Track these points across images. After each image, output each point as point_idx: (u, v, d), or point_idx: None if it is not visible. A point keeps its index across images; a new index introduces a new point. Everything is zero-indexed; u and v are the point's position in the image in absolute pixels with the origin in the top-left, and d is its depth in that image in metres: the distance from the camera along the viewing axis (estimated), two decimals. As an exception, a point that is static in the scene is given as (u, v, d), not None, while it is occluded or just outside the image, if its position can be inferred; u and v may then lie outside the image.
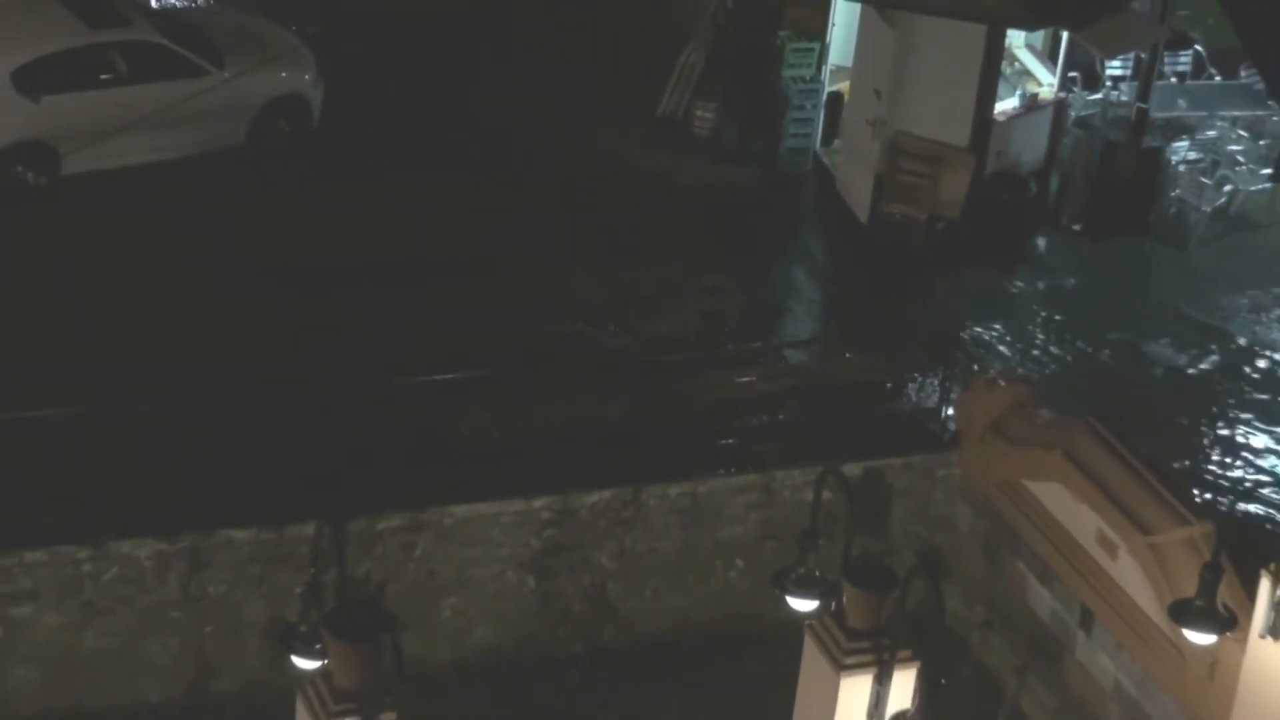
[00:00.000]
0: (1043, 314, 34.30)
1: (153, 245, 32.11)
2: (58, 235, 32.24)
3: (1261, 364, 33.91)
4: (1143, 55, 36.59)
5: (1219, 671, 25.14)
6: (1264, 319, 35.04)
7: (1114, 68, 38.15)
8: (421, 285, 31.95)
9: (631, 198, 35.00)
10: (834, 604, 22.55)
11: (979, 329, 33.55)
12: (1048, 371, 32.80)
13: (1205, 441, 31.96)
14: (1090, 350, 33.65)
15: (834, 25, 36.94)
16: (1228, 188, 36.62)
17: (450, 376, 29.62)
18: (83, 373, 28.74)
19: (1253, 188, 36.84)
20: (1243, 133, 37.92)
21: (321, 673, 21.07)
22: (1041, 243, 35.94)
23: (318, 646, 21.17)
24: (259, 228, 32.90)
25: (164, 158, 34.48)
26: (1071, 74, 36.94)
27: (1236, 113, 38.50)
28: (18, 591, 26.87)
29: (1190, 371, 33.63)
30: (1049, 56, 36.91)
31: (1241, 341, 34.35)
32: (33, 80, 33.56)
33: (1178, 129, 37.99)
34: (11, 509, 26.62)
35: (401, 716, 20.56)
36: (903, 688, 22.08)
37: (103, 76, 34.12)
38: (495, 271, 32.55)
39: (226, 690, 27.88)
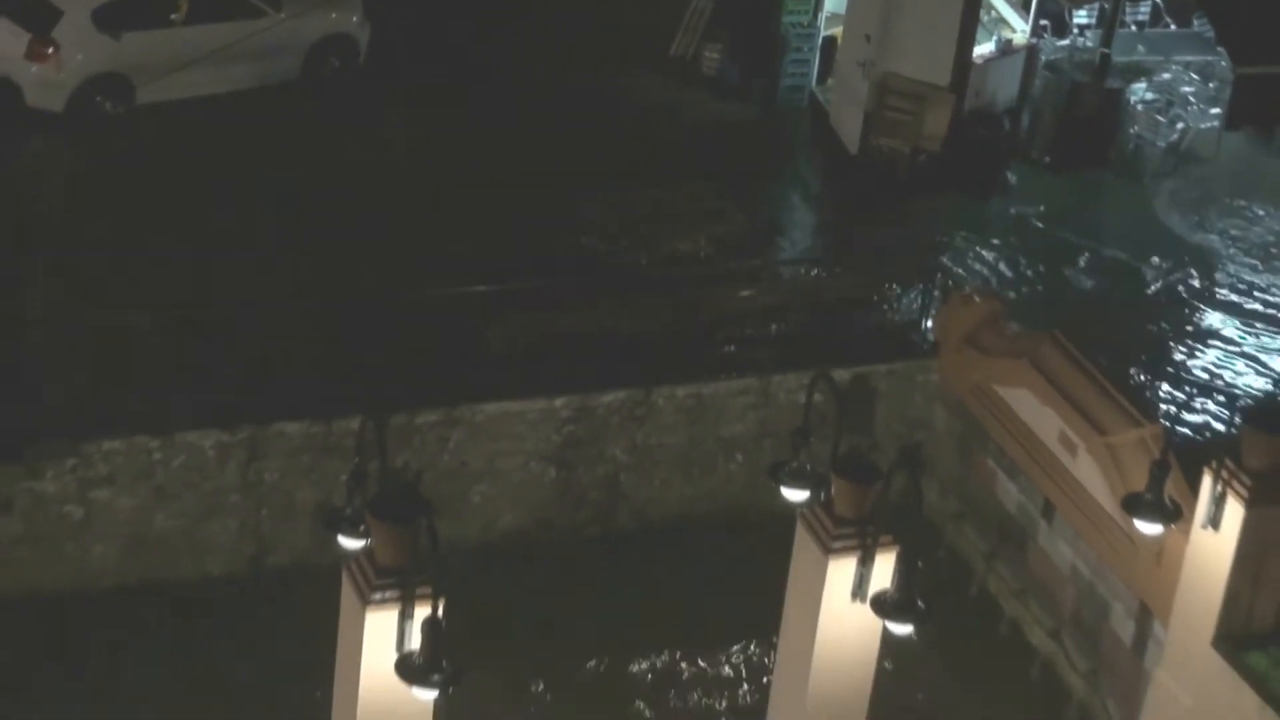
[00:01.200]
0: (1013, 238, 34.31)
1: (215, 165, 32.16)
2: (132, 157, 32.28)
3: (1208, 284, 33.91)
4: (1106, 5, 36.59)
5: (1165, 558, 25.20)
6: (1210, 243, 35.05)
7: (1080, 17, 38.33)
8: (454, 204, 31.97)
9: (644, 130, 34.97)
10: (823, 494, 22.57)
11: (956, 251, 33.55)
12: (1017, 289, 32.81)
13: (1157, 353, 31.98)
14: (1055, 270, 33.67)
15: (829, -24, 37.11)
16: (1180, 125, 36.68)
17: (481, 288, 29.62)
18: (156, 280, 28.77)
19: (1202, 126, 36.94)
20: (1194, 76, 38.06)
21: (365, 551, 21.11)
22: (1013, 174, 35.92)
23: (361, 528, 21.17)
24: (311, 152, 32.92)
25: (227, 89, 34.55)
26: (1042, 22, 37.03)
27: (1189, 58, 38.66)
28: (97, 477, 26.94)
29: (1145, 290, 33.65)
30: (1022, 6, 36.91)
31: (1189, 263, 34.35)
32: (111, 19, 33.64)
33: (1137, 72, 38.12)
34: (90, 403, 26.68)
35: (436, 591, 20.61)
36: (884, 570, 22.11)
37: (172, 16, 34.17)
38: (521, 193, 32.54)
39: (280, 566, 27.98)
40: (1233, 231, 35.54)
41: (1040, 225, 34.88)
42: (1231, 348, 32.38)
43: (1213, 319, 33.01)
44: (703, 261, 31.81)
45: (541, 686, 26.59)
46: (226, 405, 27.46)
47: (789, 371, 29.17)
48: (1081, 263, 33.90)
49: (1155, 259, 34.26)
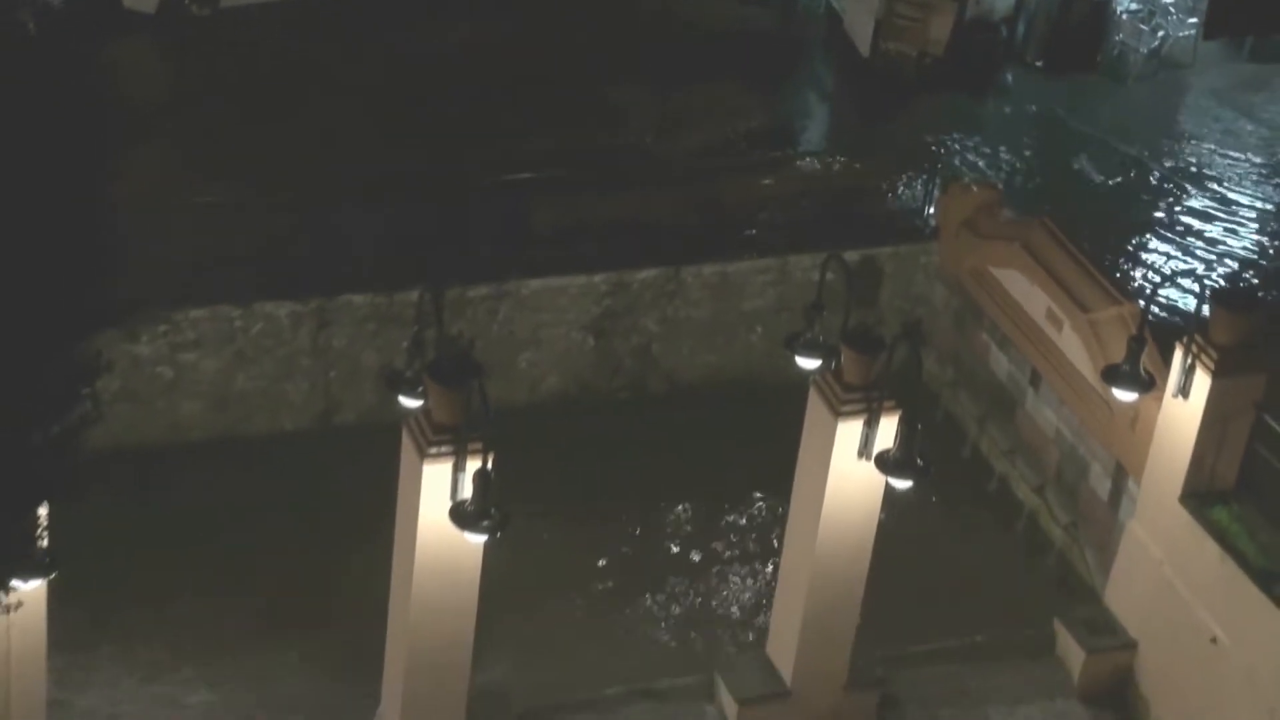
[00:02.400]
0: (1008, 133, 34.15)
1: (290, 63, 31.98)
2: (216, 55, 32.12)
3: (1184, 178, 33.77)
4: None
5: (1139, 423, 25.19)
6: (1185, 141, 34.89)
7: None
8: (502, 103, 31.78)
9: (673, 33, 34.71)
10: (833, 363, 22.60)
11: (956, 145, 33.40)
12: (1011, 180, 32.67)
13: (1137, 238, 31.89)
14: (1046, 163, 33.54)
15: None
16: (1161, 33, 36.32)
17: (526, 176, 29.59)
18: (237, 166, 28.71)
19: (1181, 34, 36.56)
20: (1175, -12, 37.68)
21: (423, 410, 21.19)
22: (1009, 76, 35.72)
23: (420, 389, 21.23)
24: (373, 57, 32.68)
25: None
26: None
27: (1171, -29, 38.20)
28: (185, 342, 27.05)
29: (1127, 182, 33.51)
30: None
31: (1167, 159, 34.22)
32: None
33: (1122, -17, 37.75)
34: (181, 276, 26.72)
35: (486, 446, 20.69)
36: (887, 431, 22.17)
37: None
38: (559, 92, 32.34)
39: (346, 422, 28.08)
40: (1206, 130, 35.38)
41: (1033, 122, 34.73)
42: (1203, 235, 32.28)
43: (1187, 208, 32.88)
44: (726, 153, 31.70)
45: (580, 532, 26.71)
46: (300, 278, 27.51)
47: (804, 253, 29.12)
48: (1070, 156, 33.76)
49: (1137, 153, 34.12)
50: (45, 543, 19.06)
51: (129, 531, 24.84)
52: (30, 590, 19.58)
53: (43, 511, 18.87)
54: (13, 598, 18.79)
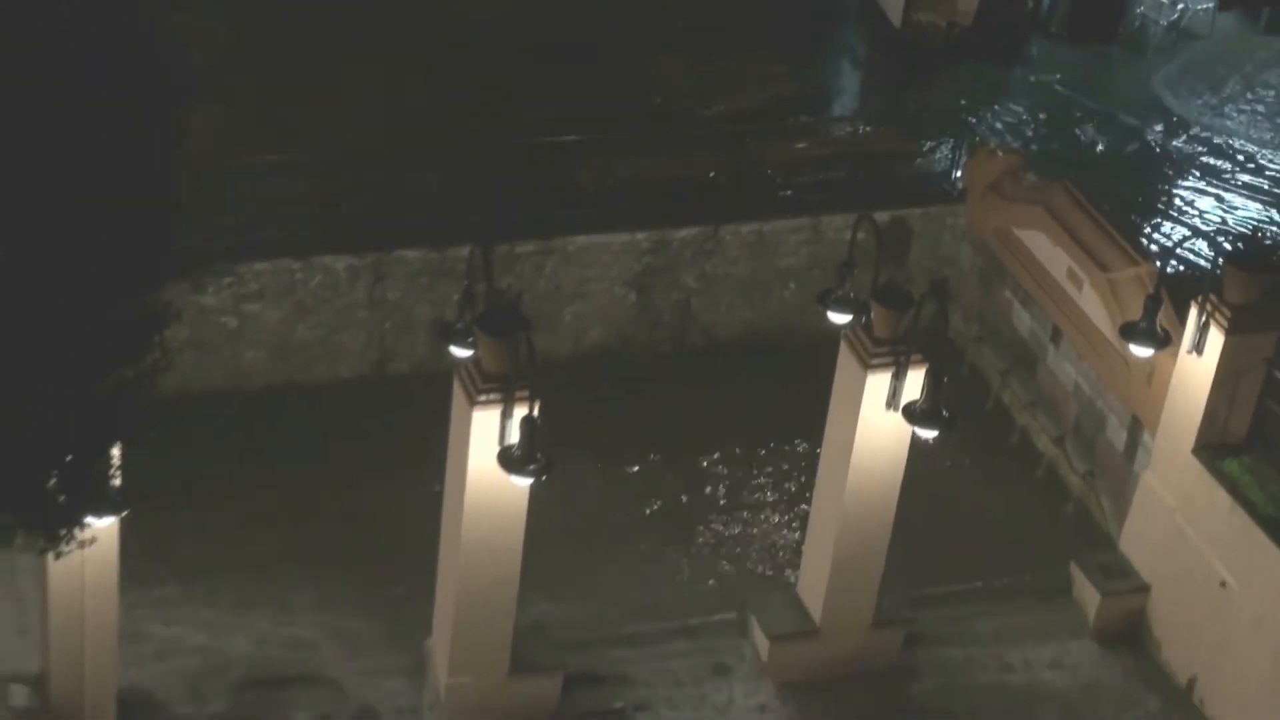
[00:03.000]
0: (1033, 101, 34.05)
1: (350, 27, 31.76)
2: (276, 19, 31.98)
3: (1201, 144, 33.66)
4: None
5: (1155, 377, 25.18)
6: (1203, 109, 34.74)
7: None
8: (551, 69, 31.77)
9: (710, 5, 34.56)
10: (864, 318, 22.64)
11: (983, 111, 33.34)
12: (1035, 145, 32.61)
13: (1155, 202, 31.84)
14: (1068, 129, 33.45)
15: None
16: (1180, 5, 36.17)
17: (574, 138, 29.59)
18: (298, 127, 28.71)
19: (1198, 7, 36.41)
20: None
21: (473, 360, 21.27)
22: (1034, 47, 35.60)
23: (470, 340, 21.32)
24: (430, 22, 32.54)
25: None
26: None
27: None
28: (249, 293, 27.15)
29: (1145, 149, 33.41)
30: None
31: (1188, 126, 34.11)
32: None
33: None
34: (245, 232, 26.81)
35: (532, 394, 20.78)
36: (914, 383, 22.21)
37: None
38: (602, 55, 32.28)
39: (400, 371, 28.17)
40: (1223, 98, 35.23)
41: (1057, 90, 34.61)
42: (1219, 199, 32.19)
43: (1203, 175, 32.79)
44: (763, 118, 31.65)
45: (620, 476, 26.79)
46: (357, 234, 27.57)
47: (836, 213, 29.11)
48: (1091, 123, 33.67)
49: (1156, 121, 34.02)
50: (117, 482, 19.20)
51: (194, 472, 24.95)
52: (103, 527, 19.73)
53: (115, 452, 19.00)
54: (87, 534, 18.89)
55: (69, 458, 18.00)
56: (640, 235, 28.71)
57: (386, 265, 27.61)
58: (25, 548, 18.83)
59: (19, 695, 21.55)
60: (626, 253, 28.71)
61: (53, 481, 18.04)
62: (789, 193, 29.94)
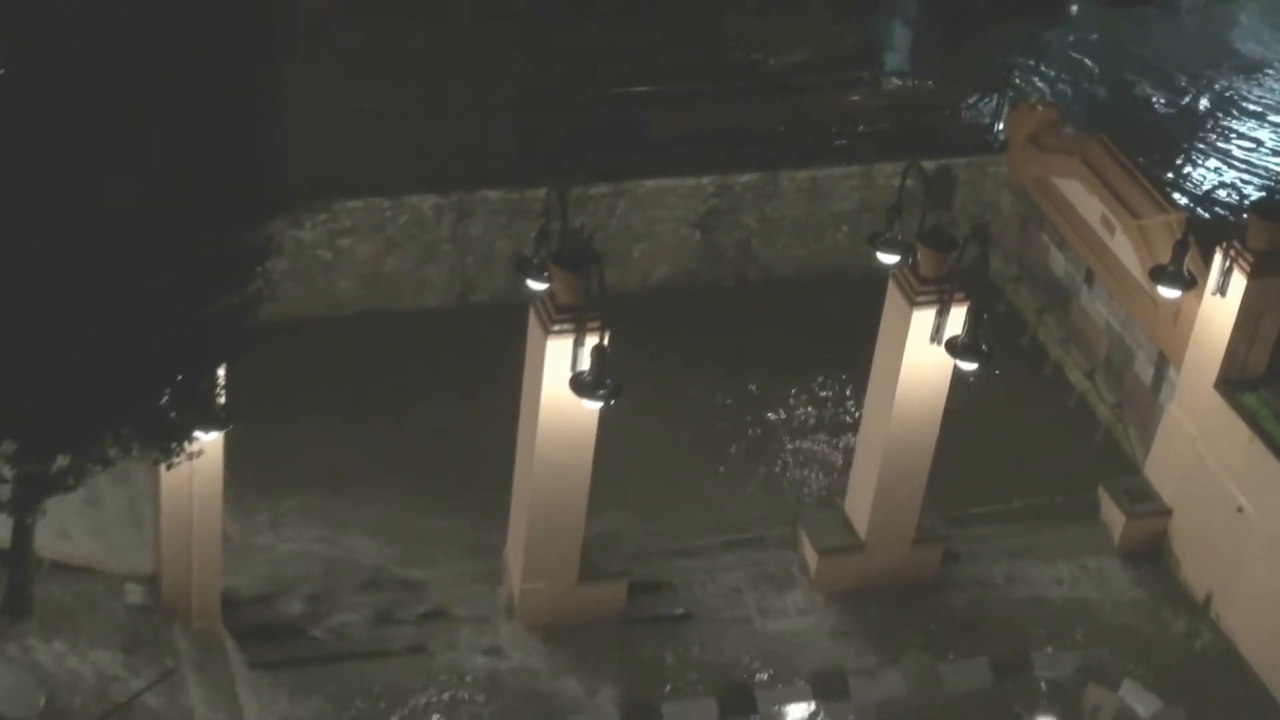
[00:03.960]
0: (1072, 59, 33.89)
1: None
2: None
3: (1228, 100, 33.45)
4: None
5: (1181, 317, 25.12)
6: (1236, 69, 34.50)
7: None
8: (627, 23, 31.59)
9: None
10: (910, 259, 22.66)
11: (1025, 68, 33.19)
12: (1073, 100, 32.46)
13: (1184, 155, 31.70)
14: (1105, 85, 33.27)
15: None
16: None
17: (645, 89, 29.59)
18: (390, 73, 28.68)
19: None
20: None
21: (548, 292, 21.38)
22: (1074, 6, 35.36)
23: (546, 273, 21.42)
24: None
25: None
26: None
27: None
28: (342, 229, 27.27)
29: (1179, 105, 33.22)
30: None
31: (1218, 85, 33.88)
32: None
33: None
34: (340, 172, 26.90)
35: (603, 324, 20.88)
36: (956, 320, 22.24)
37: None
38: (675, 17, 32.09)
39: (481, 302, 28.25)
40: (1253, 58, 34.95)
41: (1094, 48, 34.42)
42: (1246, 152, 32.02)
43: (1232, 129, 32.61)
44: (820, 72, 31.55)
45: (684, 402, 26.88)
46: (443, 175, 27.66)
47: (886, 161, 29.01)
48: (1127, 79, 33.49)
49: (1188, 78, 33.79)
50: (223, 399, 19.45)
51: (291, 392, 25.11)
52: (209, 440, 19.98)
53: (221, 372, 19.23)
54: (195, 447, 19.16)
55: (180, 378, 18.25)
56: (705, 180, 28.70)
57: (470, 204, 27.70)
58: (141, 458, 19.13)
59: (134, 593, 21.85)
60: (692, 195, 28.73)
61: (165, 399, 18.30)
62: (843, 142, 29.88)
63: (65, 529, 21.64)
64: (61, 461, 18.61)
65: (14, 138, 16.48)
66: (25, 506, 19.28)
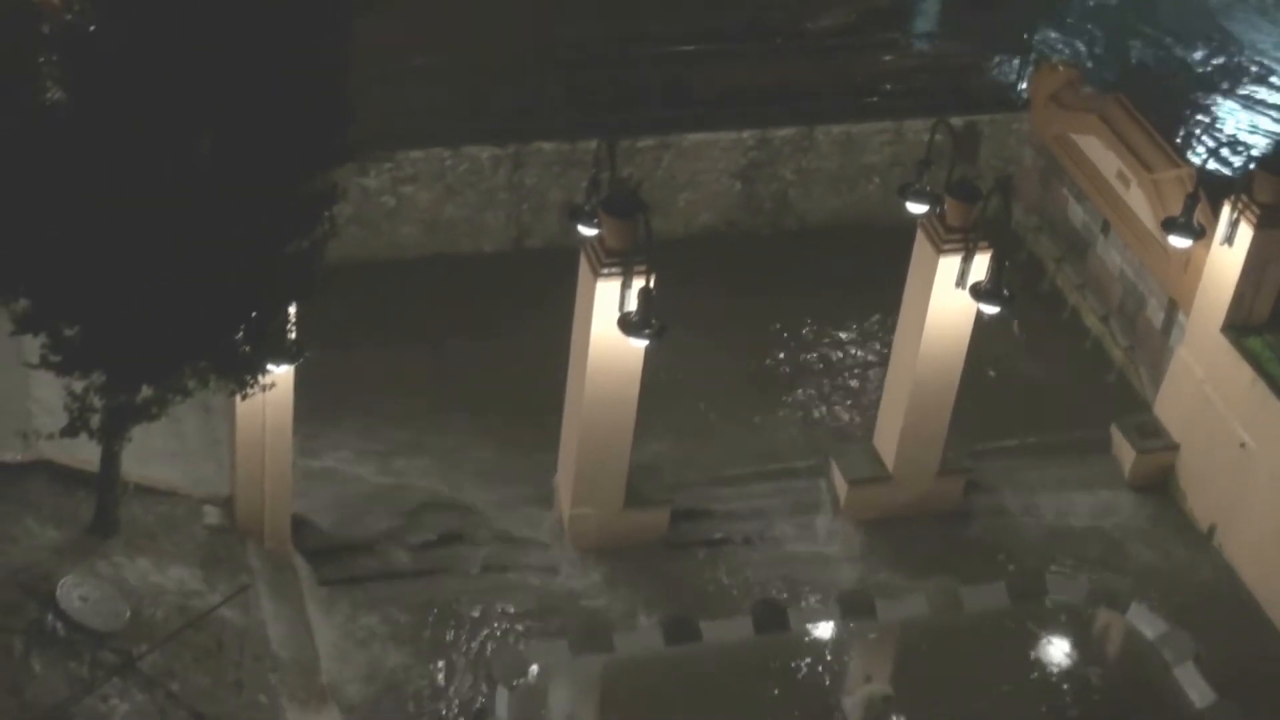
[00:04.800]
0: (1092, 22, 33.64)
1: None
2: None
3: (1248, 62, 33.18)
4: None
5: (1190, 265, 25.00)
6: (1255, 28, 34.16)
7: None
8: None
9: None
10: (938, 209, 22.61)
11: (1047, 30, 32.96)
12: (1093, 61, 32.25)
13: (1197, 112, 31.47)
14: (1123, 47, 33.04)
15: None
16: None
17: (689, 48, 29.50)
18: (450, 32, 28.63)
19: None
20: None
21: (597, 238, 21.41)
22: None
23: (596, 220, 21.46)
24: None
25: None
26: None
27: None
28: (405, 177, 27.29)
29: (1192, 65, 32.97)
30: None
31: (1228, 46, 33.60)
32: None
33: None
34: (403, 124, 26.92)
35: (649, 268, 20.91)
36: (980, 266, 22.20)
37: None
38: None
39: (535, 246, 28.26)
40: (1266, 22, 34.63)
41: (1112, 11, 34.14)
42: (1255, 110, 31.79)
43: (1243, 89, 32.38)
44: (855, 33, 31.38)
45: (724, 341, 26.89)
46: (500, 127, 27.66)
47: (916, 117, 28.86)
48: (1145, 42, 33.22)
49: (1203, 41, 33.52)
50: (293, 335, 19.55)
51: (357, 329, 25.24)
52: (281, 373, 20.11)
53: (292, 310, 19.32)
54: (268, 379, 19.28)
55: (253, 315, 18.35)
56: (745, 134, 28.63)
57: (525, 155, 27.69)
58: (218, 390, 19.26)
59: (212, 515, 22.03)
60: (733, 149, 28.68)
61: (240, 335, 18.42)
62: (875, 99, 29.73)
63: (149, 455, 21.83)
64: (146, 392, 18.76)
65: (107, 90, 16.57)
66: (113, 434, 19.45)
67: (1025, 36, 32.08)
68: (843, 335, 27.55)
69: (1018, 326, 27.25)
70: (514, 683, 21.52)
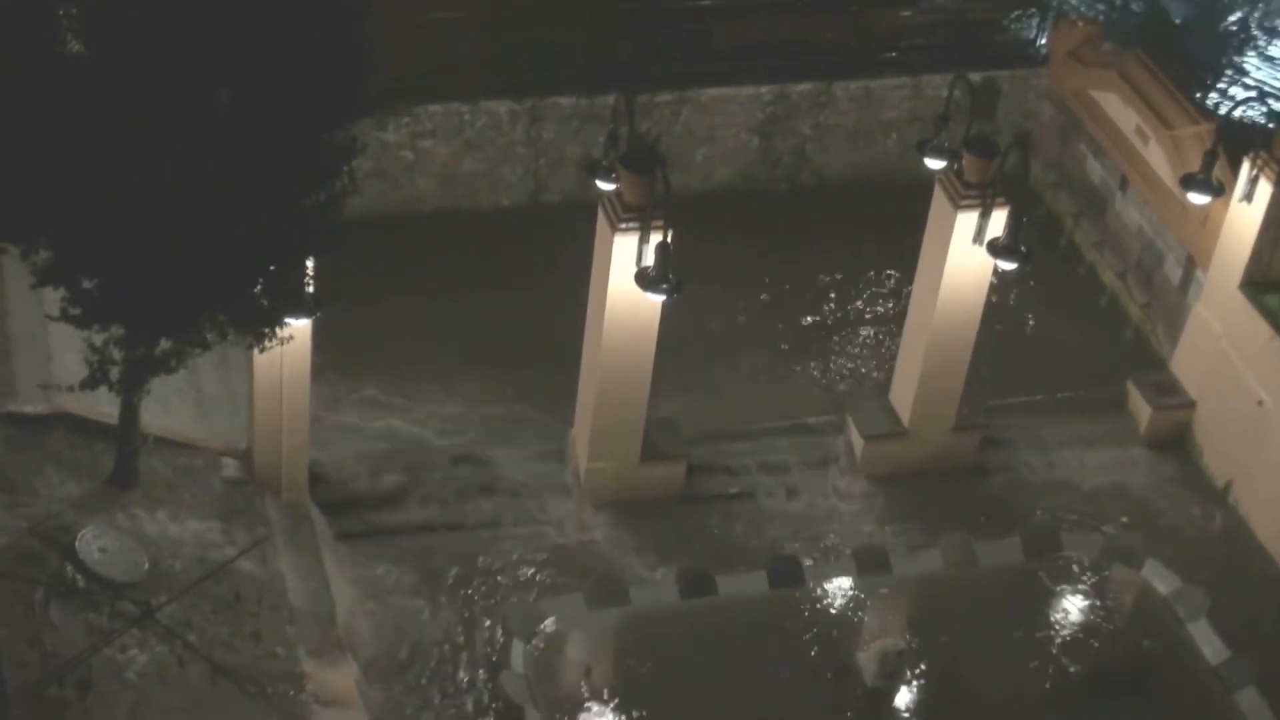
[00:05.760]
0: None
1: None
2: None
3: (1260, 21, 33.01)
4: None
5: (1209, 222, 24.93)
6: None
7: None
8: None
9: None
10: (956, 165, 22.55)
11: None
12: (1111, 17, 32.08)
13: (1216, 71, 31.36)
14: (1142, 4, 32.85)
15: None
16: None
17: (708, 2, 29.38)
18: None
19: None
20: None
21: (615, 192, 21.39)
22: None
23: (614, 175, 21.42)
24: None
25: None
26: None
27: None
28: (423, 131, 27.28)
29: (1211, 23, 32.80)
30: None
31: (1246, 4, 33.43)
32: None
33: None
34: (422, 79, 26.89)
35: (667, 223, 20.89)
36: (998, 222, 22.16)
37: None
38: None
39: (553, 201, 28.25)
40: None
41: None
42: (1275, 69, 31.66)
43: (1263, 48, 32.23)
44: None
45: (741, 296, 26.89)
46: (518, 82, 27.61)
47: (935, 73, 28.77)
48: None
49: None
50: (311, 289, 19.57)
51: (375, 283, 25.24)
52: (299, 327, 20.13)
53: (310, 263, 19.34)
54: (285, 332, 19.30)
55: (272, 268, 18.37)
56: (764, 89, 28.56)
57: (542, 109, 27.65)
58: (236, 343, 19.30)
59: (230, 467, 22.10)
60: (752, 103, 28.61)
61: (259, 288, 18.43)
62: (894, 55, 29.60)
63: (168, 408, 21.90)
64: (165, 345, 18.81)
65: (125, 41, 16.56)
66: (132, 386, 19.50)
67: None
68: (859, 290, 27.52)
69: (1035, 282, 27.17)
70: (530, 636, 21.59)
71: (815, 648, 22.01)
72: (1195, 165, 23.97)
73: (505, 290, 26.13)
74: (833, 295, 27.37)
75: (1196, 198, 23.84)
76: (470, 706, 21.00)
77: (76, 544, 19.53)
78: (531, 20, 28.16)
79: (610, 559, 22.86)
